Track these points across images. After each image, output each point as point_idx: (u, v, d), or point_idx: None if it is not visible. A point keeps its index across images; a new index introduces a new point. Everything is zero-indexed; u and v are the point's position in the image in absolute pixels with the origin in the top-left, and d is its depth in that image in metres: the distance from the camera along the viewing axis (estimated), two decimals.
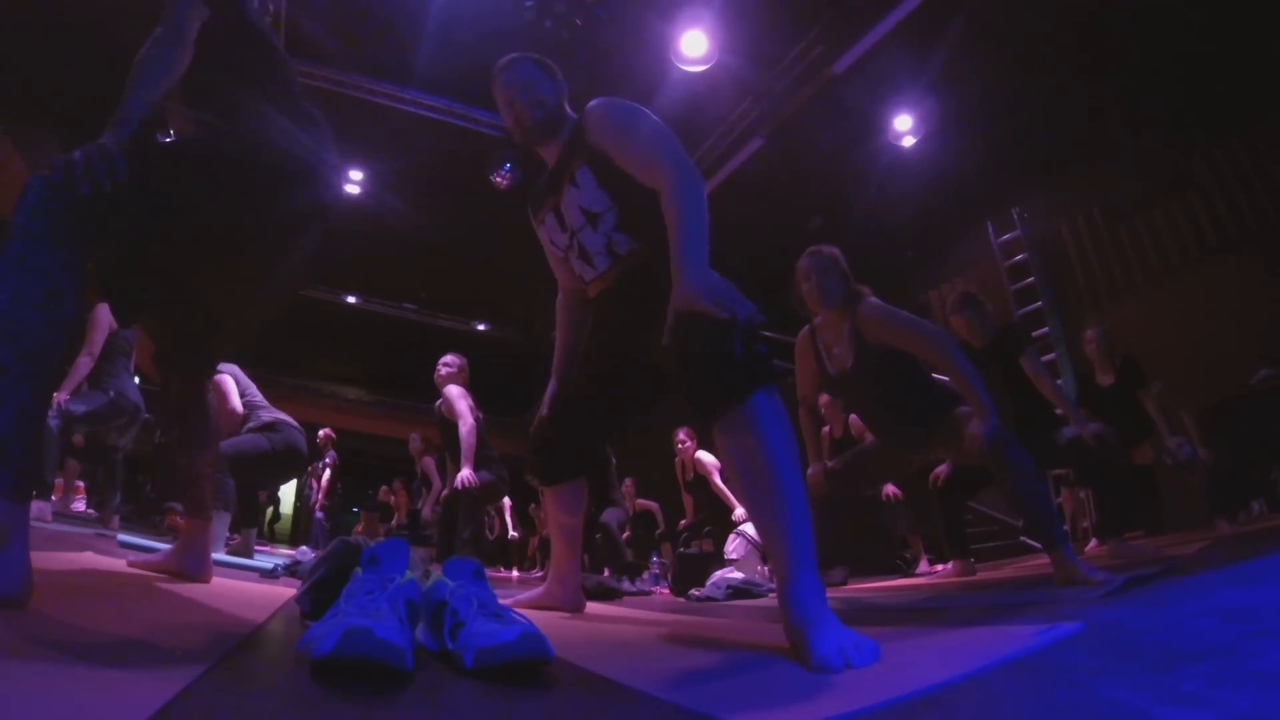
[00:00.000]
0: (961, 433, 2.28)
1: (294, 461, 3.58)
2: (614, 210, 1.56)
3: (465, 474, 3.67)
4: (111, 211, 1.12)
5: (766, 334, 1.38)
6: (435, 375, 4.11)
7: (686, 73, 6.13)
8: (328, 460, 7.92)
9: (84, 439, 3.67)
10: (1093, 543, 3.85)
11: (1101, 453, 2.79)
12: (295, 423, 3.63)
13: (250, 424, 3.47)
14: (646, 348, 1.38)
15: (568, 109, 1.79)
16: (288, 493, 9.50)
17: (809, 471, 2.63)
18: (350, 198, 8.14)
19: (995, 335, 3.14)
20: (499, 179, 7.40)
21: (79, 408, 3.43)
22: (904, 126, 6.90)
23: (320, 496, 7.91)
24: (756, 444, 1.13)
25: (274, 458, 3.42)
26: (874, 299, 2.48)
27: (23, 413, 0.97)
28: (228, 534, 3.53)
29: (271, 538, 8.96)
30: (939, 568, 3.87)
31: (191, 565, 1.70)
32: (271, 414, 3.56)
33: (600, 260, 1.60)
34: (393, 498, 8.98)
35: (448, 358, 4.16)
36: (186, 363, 1.63)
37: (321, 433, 7.88)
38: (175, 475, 1.73)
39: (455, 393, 3.92)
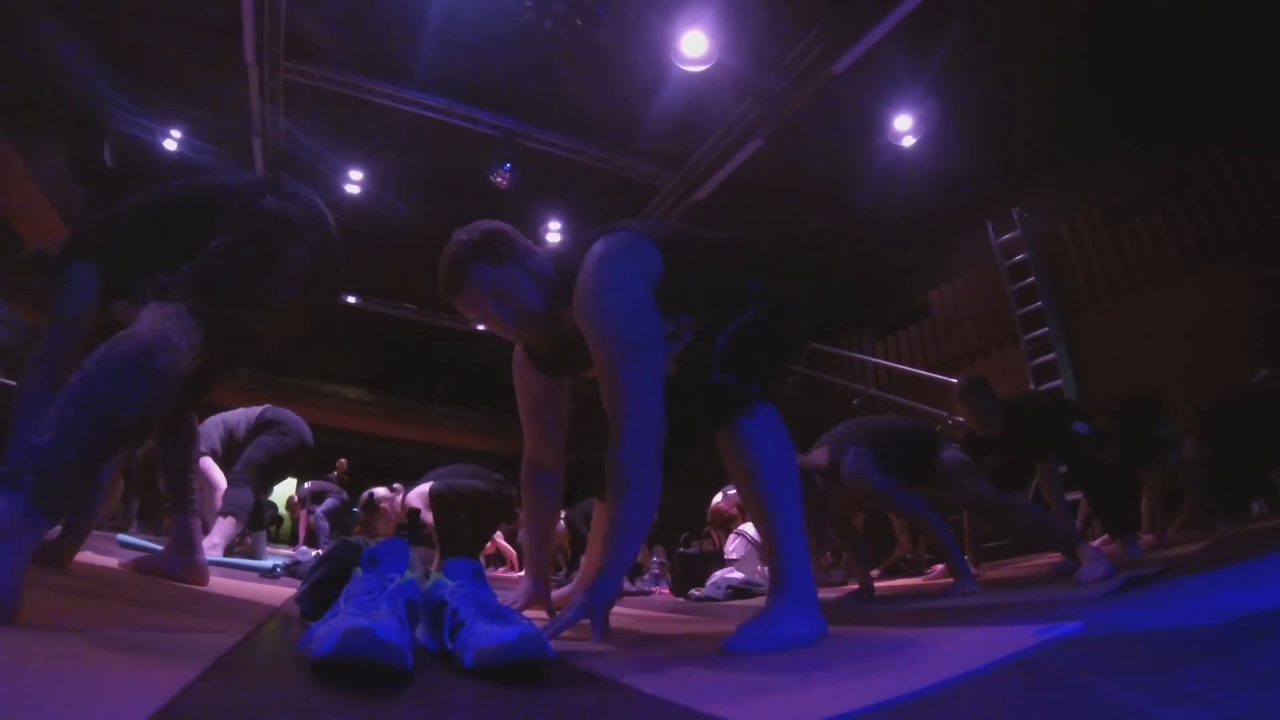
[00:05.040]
0: (952, 484, 2.60)
1: (306, 453, 3.52)
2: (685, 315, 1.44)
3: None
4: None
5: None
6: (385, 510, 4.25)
7: (686, 73, 6.13)
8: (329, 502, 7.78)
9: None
10: (1101, 539, 3.85)
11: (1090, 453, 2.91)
12: (288, 412, 3.55)
13: (250, 429, 3.40)
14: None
15: (534, 264, 1.38)
16: (287, 493, 9.49)
17: None
18: (350, 198, 8.15)
19: (1012, 424, 2.90)
20: (499, 179, 7.39)
21: None
22: (904, 126, 6.90)
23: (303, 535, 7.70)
24: (749, 462, 1.24)
25: (289, 456, 3.37)
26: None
27: (80, 439, 0.98)
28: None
29: (273, 539, 8.96)
30: (936, 568, 3.87)
31: (183, 567, 1.68)
32: (259, 412, 3.48)
33: (689, 339, 1.51)
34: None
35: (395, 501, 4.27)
36: (196, 384, 1.64)
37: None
38: (163, 469, 1.76)
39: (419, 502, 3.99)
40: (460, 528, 3.81)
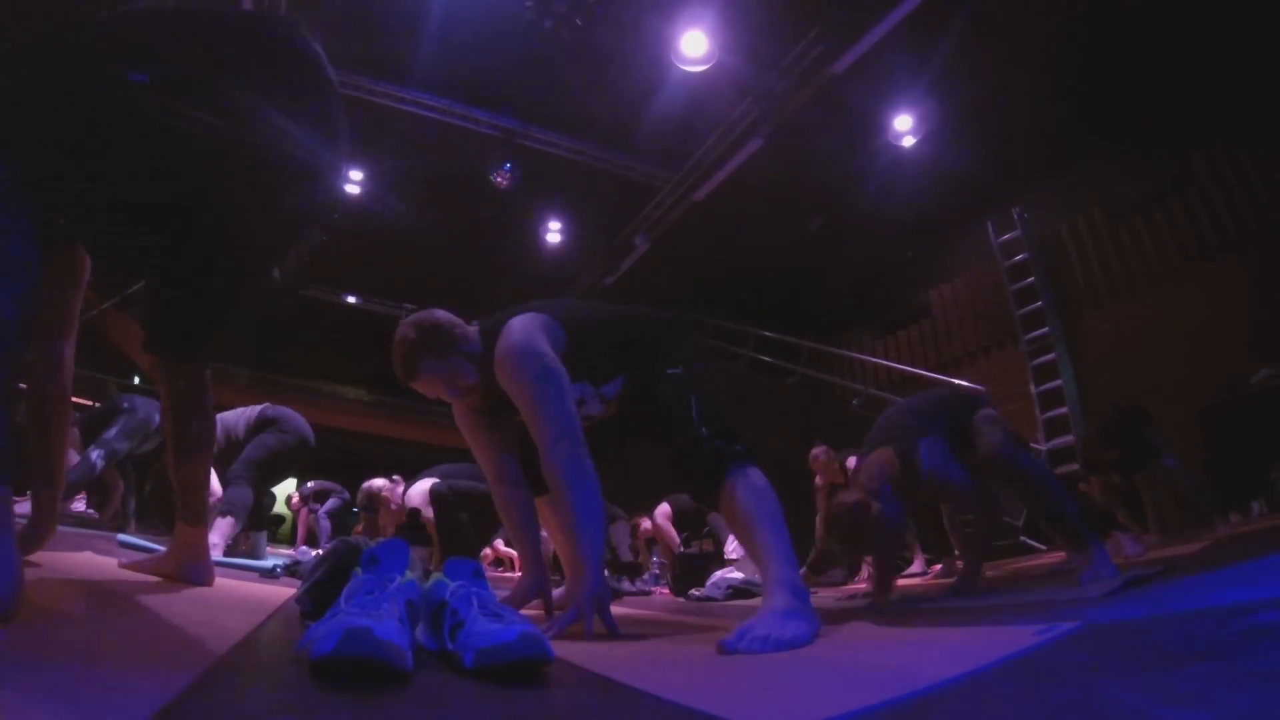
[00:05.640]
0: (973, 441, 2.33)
1: (305, 451, 3.51)
2: (588, 384, 1.68)
3: None
4: (71, 185, 1.12)
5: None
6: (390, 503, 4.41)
7: (686, 73, 6.13)
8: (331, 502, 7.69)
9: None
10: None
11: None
12: (289, 410, 3.55)
13: (250, 427, 3.39)
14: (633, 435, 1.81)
15: (468, 342, 1.64)
16: (287, 492, 9.51)
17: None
18: (350, 198, 8.14)
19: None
20: (499, 179, 7.39)
21: (118, 441, 3.55)
22: (904, 126, 6.90)
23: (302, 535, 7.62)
24: (742, 505, 1.42)
25: (289, 454, 3.37)
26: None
27: None
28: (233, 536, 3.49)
29: (272, 538, 8.94)
30: (936, 567, 3.88)
31: (191, 571, 1.64)
32: (258, 410, 3.48)
33: (596, 408, 1.74)
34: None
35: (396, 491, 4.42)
36: (179, 351, 1.59)
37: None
38: (175, 483, 1.63)
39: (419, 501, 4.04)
40: (460, 529, 3.81)
